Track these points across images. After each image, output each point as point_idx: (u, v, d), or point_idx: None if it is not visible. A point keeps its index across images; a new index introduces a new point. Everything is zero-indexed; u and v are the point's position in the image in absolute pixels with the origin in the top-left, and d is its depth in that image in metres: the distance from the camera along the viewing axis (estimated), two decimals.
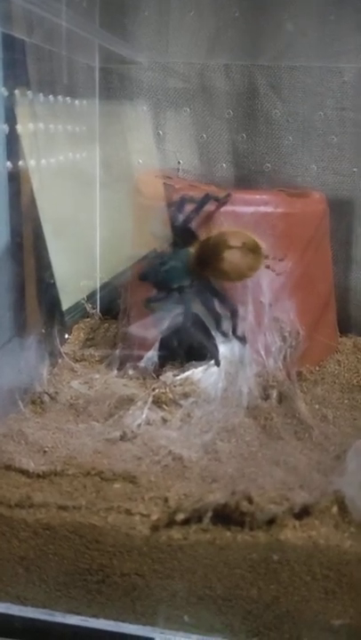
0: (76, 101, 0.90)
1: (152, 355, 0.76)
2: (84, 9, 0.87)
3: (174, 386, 0.71)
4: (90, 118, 0.93)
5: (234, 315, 0.73)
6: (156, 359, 0.76)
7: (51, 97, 0.82)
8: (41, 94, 0.79)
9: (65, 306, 0.88)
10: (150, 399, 0.69)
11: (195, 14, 0.90)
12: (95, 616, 0.52)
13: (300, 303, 0.78)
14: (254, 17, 0.89)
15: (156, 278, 0.74)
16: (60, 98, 0.85)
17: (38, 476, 0.58)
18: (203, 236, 0.75)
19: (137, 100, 0.93)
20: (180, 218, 0.75)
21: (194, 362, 0.74)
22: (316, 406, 0.72)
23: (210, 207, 0.76)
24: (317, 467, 0.58)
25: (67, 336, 0.90)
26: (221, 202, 0.77)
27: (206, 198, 0.75)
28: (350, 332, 0.93)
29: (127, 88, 0.93)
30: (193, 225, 0.74)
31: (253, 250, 0.72)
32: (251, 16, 0.89)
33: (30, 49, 0.76)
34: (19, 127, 0.74)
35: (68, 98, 0.87)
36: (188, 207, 0.75)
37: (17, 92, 0.74)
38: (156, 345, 0.76)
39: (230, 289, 0.74)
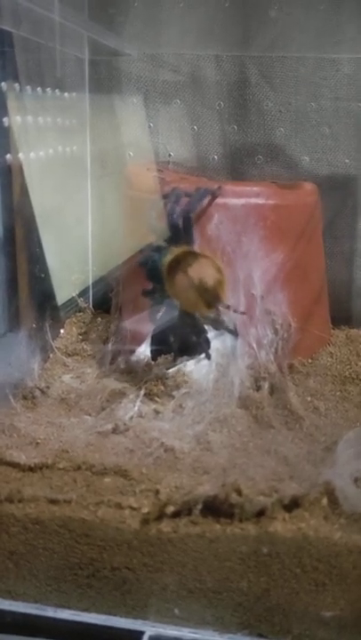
0: (66, 94, 0.89)
1: (144, 349, 0.76)
2: (72, 0, 0.86)
3: (166, 378, 0.71)
4: (80, 111, 0.93)
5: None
6: (148, 353, 0.76)
7: (40, 90, 0.81)
8: (30, 87, 0.79)
9: (60, 301, 0.88)
10: (142, 392, 0.69)
11: (185, 5, 0.89)
12: (86, 610, 0.52)
13: (293, 295, 0.78)
14: (245, 6, 0.88)
15: (149, 269, 0.73)
16: (49, 90, 0.84)
17: (30, 469, 0.58)
18: (195, 240, 0.74)
19: (127, 91, 0.93)
20: (171, 210, 0.74)
21: (186, 356, 0.74)
22: (308, 398, 0.71)
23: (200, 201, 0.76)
24: (308, 457, 0.58)
25: (62, 331, 0.89)
26: (213, 195, 0.76)
27: (203, 192, 0.75)
28: (343, 325, 0.93)
29: (117, 80, 0.93)
30: (182, 220, 0.74)
31: (205, 293, 0.67)
32: (241, 6, 0.88)
33: (19, 41, 0.76)
34: (9, 120, 0.74)
35: (57, 90, 0.86)
36: (181, 200, 0.75)
37: (5, 84, 0.73)
38: (149, 339, 0.75)
39: None
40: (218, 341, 0.73)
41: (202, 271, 0.68)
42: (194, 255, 0.70)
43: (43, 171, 0.82)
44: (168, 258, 0.71)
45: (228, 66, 0.91)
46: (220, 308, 0.68)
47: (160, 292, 0.73)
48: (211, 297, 0.67)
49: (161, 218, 0.74)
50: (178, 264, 0.70)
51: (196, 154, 0.94)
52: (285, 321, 0.76)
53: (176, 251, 0.71)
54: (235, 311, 0.69)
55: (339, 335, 0.90)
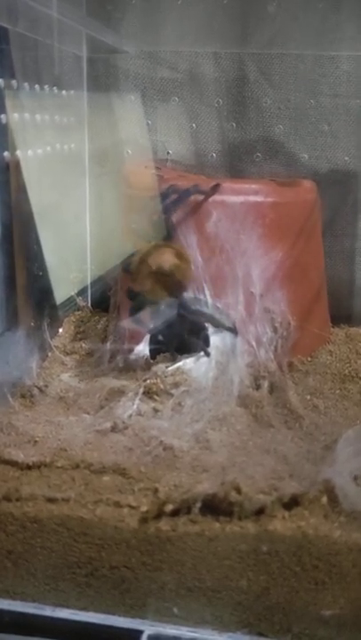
0: (64, 91, 0.89)
1: (143, 347, 0.76)
2: None
3: (165, 376, 0.70)
4: (78, 108, 0.92)
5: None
6: (147, 351, 0.75)
7: (37, 87, 0.81)
8: (27, 84, 0.79)
9: (59, 299, 0.87)
10: (141, 390, 0.69)
11: (183, 2, 0.89)
12: (85, 609, 0.52)
13: (292, 293, 0.78)
14: (243, 3, 0.88)
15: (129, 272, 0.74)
16: (47, 88, 0.84)
17: (28, 467, 0.58)
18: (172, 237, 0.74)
19: (125, 89, 0.93)
20: (166, 209, 0.74)
21: (185, 354, 0.74)
22: (308, 396, 0.71)
23: (197, 198, 0.75)
24: (308, 456, 0.58)
25: (60, 330, 0.89)
26: (209, 193, 0.76)
27: (189, 191, 0.75)
28: (343, 323, 0.93)
29: (115, 77, 0.92)
30: (176, 217, 0.74)
31: (163, 277, 0.70)
32: (240, 3, 0.88)
33: (16, 38, 0.76)
34: (7, 117, 0.73)
35: (55, 88, 0.86)
36: (175, 198, 0.75)
37: (3, 81, 0.73)
38: (147, 338, 0.75)
39: (221, 278, 0.74)
40: (217, 339, 0.73)
41: (159, 258, 0.70)
42: (156, 246, 0.72)
43: (41, 168, 0.81)
44: (136, 256, 0.72)
45: (226, 63, 0.91)
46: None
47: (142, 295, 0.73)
48: (169, 281, 0.69)
49: (155, 216, 0.74)
50: (142, 257, 0.71)
51: (195, 151, 0.94)
52: (285, 319, 0.76)
53: (143, 247, 0.72)
54: (197, 298, 0.71)
55: (338, 333, 0.90)
